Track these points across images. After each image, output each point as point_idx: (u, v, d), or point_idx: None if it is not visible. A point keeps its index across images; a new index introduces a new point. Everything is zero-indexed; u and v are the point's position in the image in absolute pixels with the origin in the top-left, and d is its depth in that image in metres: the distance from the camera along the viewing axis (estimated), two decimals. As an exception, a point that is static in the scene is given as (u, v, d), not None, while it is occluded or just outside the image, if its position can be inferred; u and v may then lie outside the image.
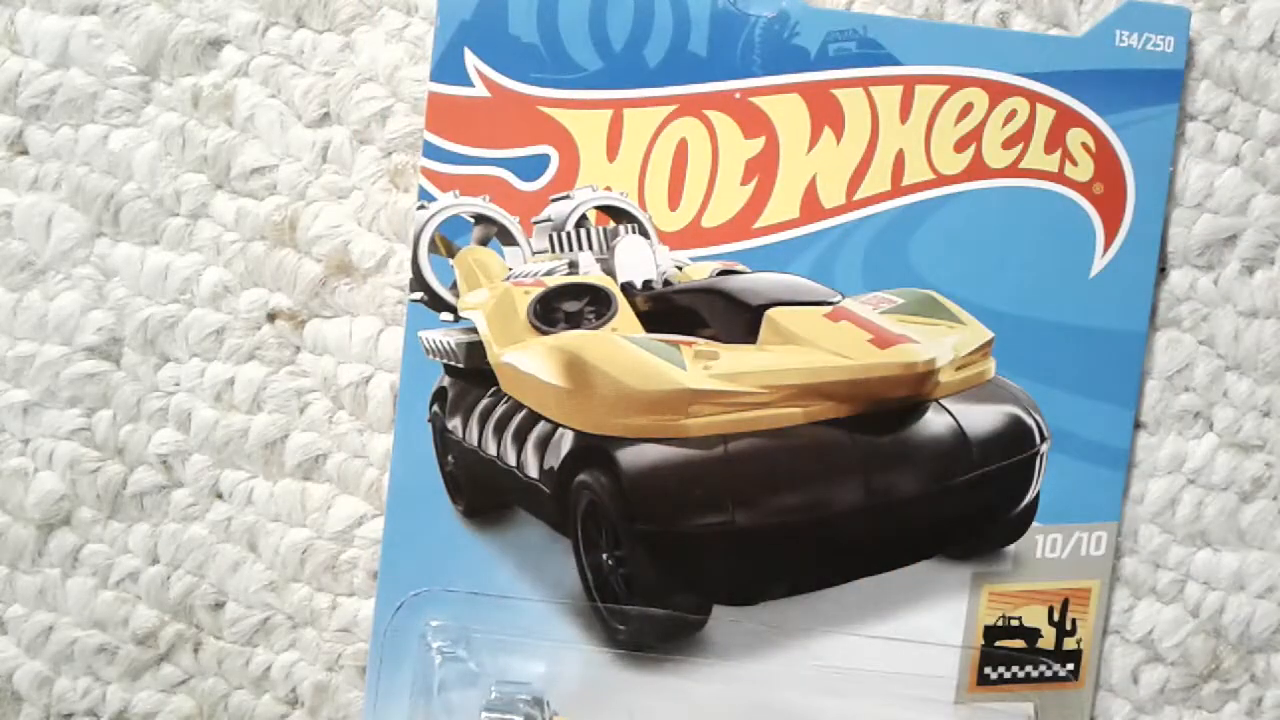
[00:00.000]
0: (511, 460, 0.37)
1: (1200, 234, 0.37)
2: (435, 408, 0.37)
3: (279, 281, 0.37)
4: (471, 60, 0.36)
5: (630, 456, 0.34)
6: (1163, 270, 0.37)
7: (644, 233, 0.37)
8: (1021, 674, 0.37)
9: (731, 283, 0.37)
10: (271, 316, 0.37)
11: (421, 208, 0.37)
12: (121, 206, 0.37)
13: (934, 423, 0.36)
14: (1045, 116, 0.36)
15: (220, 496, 0.38)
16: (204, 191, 0.37)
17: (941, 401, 0.36)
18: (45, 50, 0.37)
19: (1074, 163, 0.36)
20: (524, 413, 0.37)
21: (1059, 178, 0.36)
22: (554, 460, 0.36)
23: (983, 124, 0.36)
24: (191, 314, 0.37)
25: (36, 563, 0.38)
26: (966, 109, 0.36)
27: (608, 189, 0.37)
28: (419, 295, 0.37)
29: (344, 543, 0.38)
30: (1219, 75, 0.37)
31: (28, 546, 0.38)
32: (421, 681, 0.36)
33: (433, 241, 0.37)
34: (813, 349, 0.35)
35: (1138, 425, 0.37)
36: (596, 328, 0.36)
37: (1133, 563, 0.38)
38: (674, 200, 0.37)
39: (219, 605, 0.38)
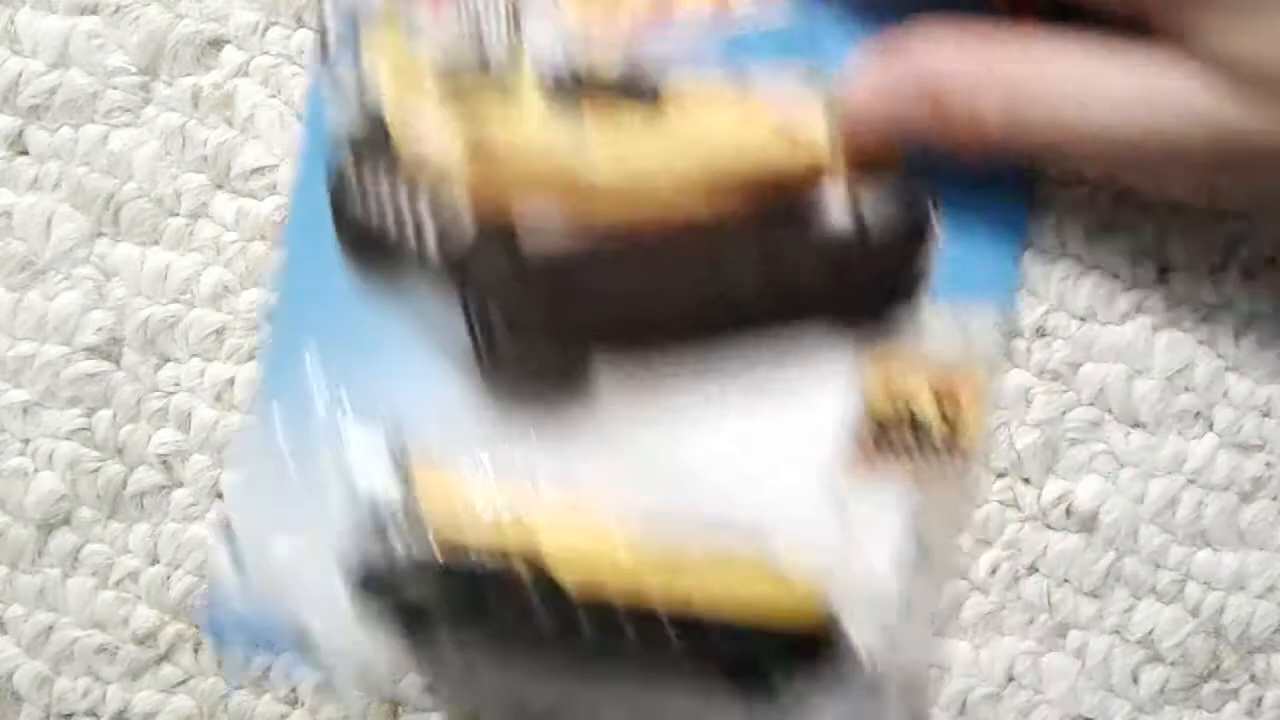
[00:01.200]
0: (412, 244, 0.36)
1: (1200, 234, 0.37)
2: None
3: (279, 281, 0.37)
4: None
5: (532, 239, 0.34)
6: (1163, 270, 0.37)
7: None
8: (902, 451, 0.37)
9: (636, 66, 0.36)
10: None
11: None
12: (121, 206, 0.37)
13: (831, 194, 0.36)
14: None
15: (220, 497, 0.38)
16: (204, 191, 0.37)
17: (840, 176, 0.36)
18: (45, 50, 0.37)
19: None
20: (425, 188, 0.36)
21: None
22: (455, 236, 0.35)
23: None
24: (191, 314, 0.37)
25: (36, 563, 0.38)
26: None
27: None
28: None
29: (344, 543, 0.38)
30: (1219, 75, 0.37)
31: (28, 546, 0.38)
32: (303, 405, 0.36)
33: None
34: (713, 133, 0.35)
35: (1137, 425, 0.37)
36: (506, 113, 0.36)
37: (1133, 563, 0.38)
38: None
39: (219, 605, 0.38)
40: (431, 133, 0.35)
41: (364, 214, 0.37)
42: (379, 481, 0.35)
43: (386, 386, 0.36)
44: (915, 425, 0.37)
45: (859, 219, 0.36)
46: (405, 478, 0.35)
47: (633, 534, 0.35)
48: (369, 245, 0.37)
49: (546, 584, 0.34)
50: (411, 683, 0.37)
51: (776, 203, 0.36)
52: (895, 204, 0.36)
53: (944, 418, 0.37)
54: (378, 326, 0.36)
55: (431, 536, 0.34)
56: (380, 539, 0.34)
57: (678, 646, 0.34)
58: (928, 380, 0.37)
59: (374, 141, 0.36)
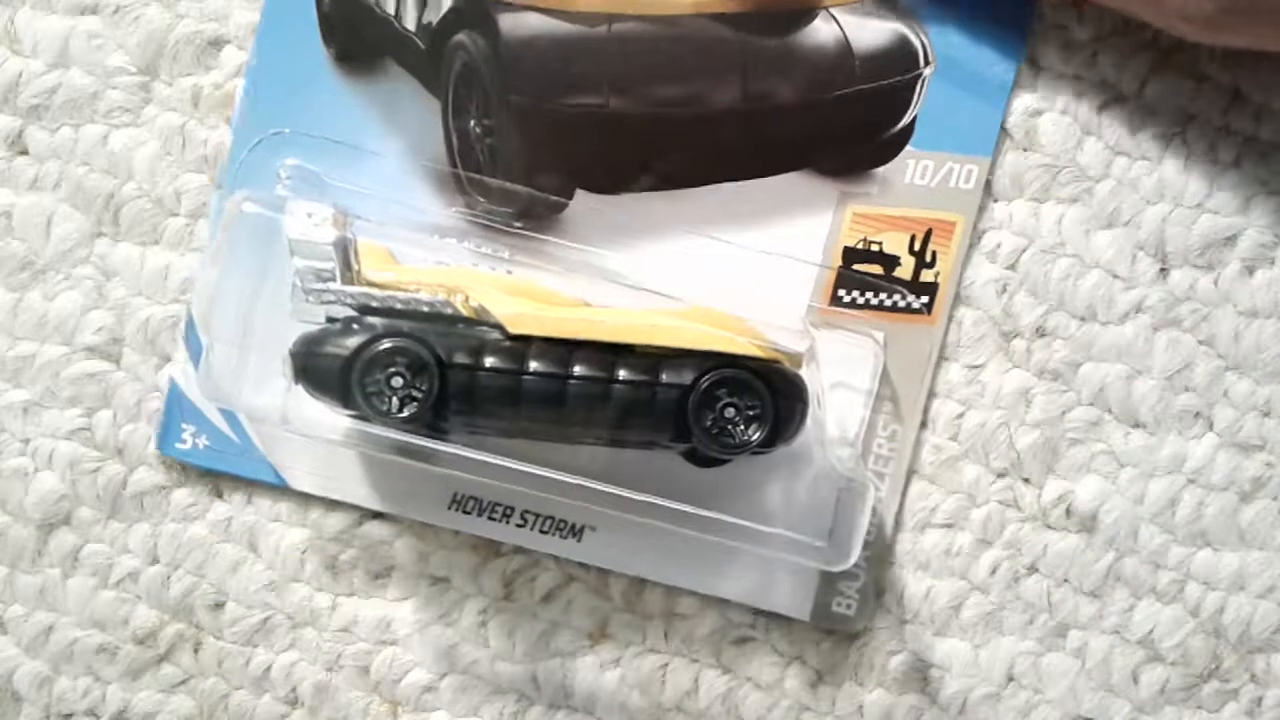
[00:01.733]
0: (390, 8, 0.36)
1: (1200, 234, 0.37)
2: None
3: (279, 281, 0.37)
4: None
5: (511, 22, 0.34)
6: (1163, 270, 0.37)
7: None
8: (875, 301, 0.36)
9: None
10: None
11: None
12: (121, 206, 0.37)
13: (820, 31, 0.35)
14: None
15: (220, 496, 0.38)
16: (204, 191, 0.37)
17: (831, 10, 0.36)
18: (45, 50, 0.37)
19: None
20: None
21: None
22: (434, 15, 0.35)
23: None
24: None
25: (36, 563, 0.38)
26: None
27: None
28: None
29: (344, 544, 0.38)
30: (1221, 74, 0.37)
31: (28, 546, 0.38)
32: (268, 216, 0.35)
33: None
34: None
35: (1137, 425, 0.37)
36: None
37: (1133, 563, 0.38)
38: None
39: (219, 605, 0.38)
40: None
41: None
42: (318, 249, 0.33)
43: (350, 176, 0.35)
44: (884, 259, 0.36)
45: (845, 42, 0.35)
46: (348, 250, 0.33)
47: (593, 311, 0.34)
48: (347, 15, 0.36)
49: (490, 324, 0.32)
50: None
51: (764, 6, 0.35)
52: (885, 37, 0.35)
53: (913, 252, 0.36)
54: (351, 117, 0.36)
55: (367, 285, 0.33)
56: (317, 296, 0.33)
57: (630, 381, 0.32)
58: (903, 221, 0.36)
59: None
